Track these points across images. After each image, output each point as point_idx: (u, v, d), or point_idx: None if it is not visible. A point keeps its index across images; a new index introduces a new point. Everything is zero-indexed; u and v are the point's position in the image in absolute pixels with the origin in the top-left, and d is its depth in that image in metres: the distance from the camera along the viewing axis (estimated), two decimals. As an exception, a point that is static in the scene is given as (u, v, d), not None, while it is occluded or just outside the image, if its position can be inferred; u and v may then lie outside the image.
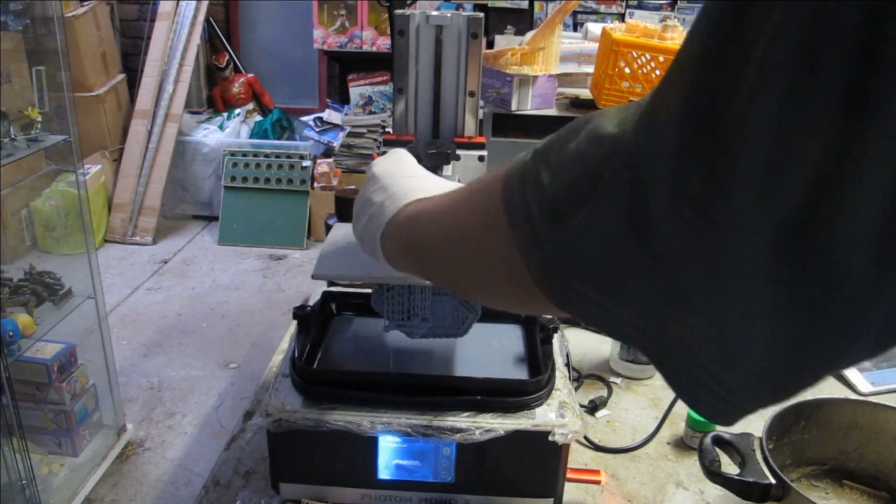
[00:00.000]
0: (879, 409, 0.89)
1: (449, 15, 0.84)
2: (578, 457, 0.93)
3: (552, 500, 0.78)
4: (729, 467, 0.86)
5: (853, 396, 1.10)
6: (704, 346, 0.31)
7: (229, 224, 3.56)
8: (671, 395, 1.07)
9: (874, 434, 0.88)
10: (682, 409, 1.02)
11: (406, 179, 0.61)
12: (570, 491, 0.84)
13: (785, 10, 0.25)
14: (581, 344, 1.20)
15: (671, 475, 0.91)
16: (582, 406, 1.03)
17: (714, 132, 0.28)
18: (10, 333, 1.59)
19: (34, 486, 1.57)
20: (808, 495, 0.88)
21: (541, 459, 0.76)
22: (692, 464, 0.90)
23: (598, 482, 0.83)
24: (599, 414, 1.02)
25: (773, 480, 0.75)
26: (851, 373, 1.16)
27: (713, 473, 0.77)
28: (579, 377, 1.10)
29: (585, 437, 0.95)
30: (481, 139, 0.88)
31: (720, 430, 0.91)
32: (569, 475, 0.80)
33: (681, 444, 0.97)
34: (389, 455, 0.76)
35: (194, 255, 3.43)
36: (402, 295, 0.76)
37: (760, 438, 0.80)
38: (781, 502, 0.75)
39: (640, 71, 1.29)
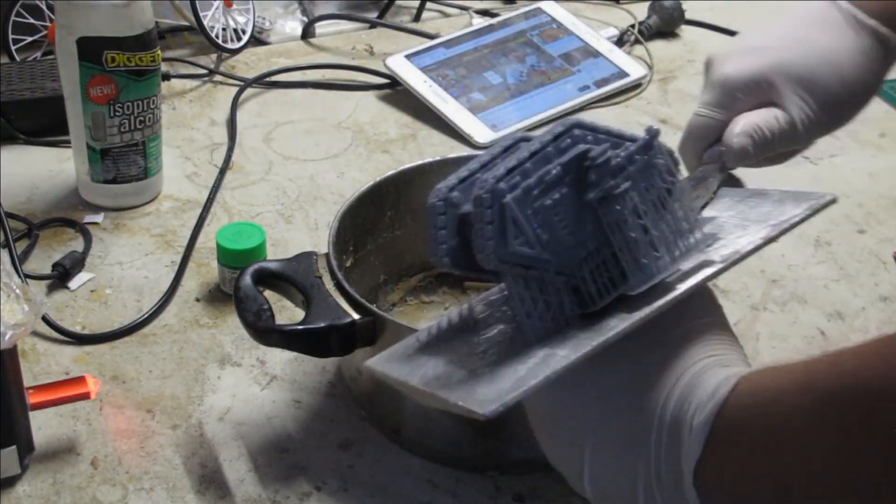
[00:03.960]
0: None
1: None
2: (49, 363, 0.91)
3: (14, 447, 0.77)
4: (292, 313, 0.91)
5: (465, 152, 1.22)
6: None
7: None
8: (217, 224, 1.07)
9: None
10: (209, 240, 1.04)
11: None
12: (45, 424, 0.83)
13: None
14: (27, 174, 1.16)
15: (210, 350, 0.93)
16: (40, 277, 1.00)
17: None
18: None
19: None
20: (417, 320, 0.97)
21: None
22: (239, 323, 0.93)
23: (87, 396, 0.82)
24: (76, 282, 1.01)
25: (355, 316, 0.79)
26: (463, 117, 1.27)
27: (262, 331, 0.79)
28: (29, 228, 1.06)
29: (54, 327, 0.93)
30: None
31: (269, 259, 0.94)
32: (32, 400, 0.79)
33: (217, 297, 0.99)
34: None
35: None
36: None
37: (327, 255, 0.84)
38: (378, 342, 0.80)
39: None
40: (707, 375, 0.59)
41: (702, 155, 0.82)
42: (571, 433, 0.62)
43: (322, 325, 0.79)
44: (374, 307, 0.80)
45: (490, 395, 0.58)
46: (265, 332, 0.79)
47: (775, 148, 0.81)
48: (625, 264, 0.63)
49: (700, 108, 0.83)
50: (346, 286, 0.81)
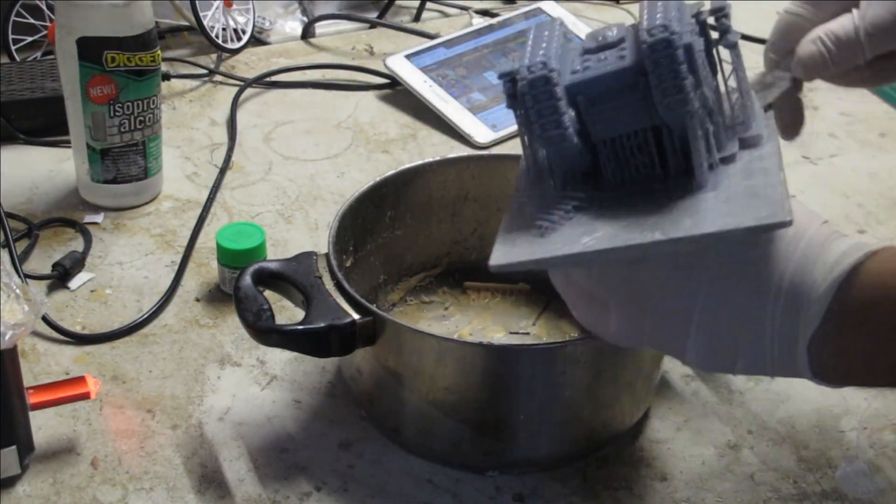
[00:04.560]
0: (496, 165, 0.98)
1: None
2: (49, 363, 0.91)
3: (14, 447, 0.77)
4: (292, 313, 0.91)
5: (465, 152, 1.22)
6: None
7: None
8: (217, 224, 1.07)
9: (494, 203, 0.98)
10: (209, 240, 1.04)
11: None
12: (45, 424, 0.83)
13: None
14: (27, 174, 1.16)
15: (210, 350, 0.93)
16: (40, 277, 1.00)
17: None
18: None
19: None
20: (417, 320, 0.96)
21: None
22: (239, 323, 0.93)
23: (87, 396, 0.82)
24: (76, 282, 1.01)
25: (355, 316, 0.79)
26: (463, 117, 1.27)
27: (262, 331, 0.78)
28: (29, 228, 1.06)
29: (54, 327, 0.93)
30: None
31: (269, 259, 0.94)
32: (32, 400, 0.79)
33: (217, 297, 0.99)
34: None
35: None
36: None
37: (327, 255, 0.84)
38: (377, 342, 0.80)
39: None
40: (828, 244, 0.59)
41: (784, 57, 0.78)
42: (680, 305, 0.63)
43: (322, 325, 0.78)
44: (374, 307, 0.80)
45: (758, 211, 0.60)
46: (265, 332, 0.79)
47: (853, 57, 0.73)
48: (747, 110, 0.68)
49: (788, 6, 0.77)
50: (346, 286, 0.81)
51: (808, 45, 0.73)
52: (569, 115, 0.65)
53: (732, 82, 0.69)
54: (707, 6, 0.67)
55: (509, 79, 0.68)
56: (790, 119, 0.79)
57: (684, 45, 0.63)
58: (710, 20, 0.67)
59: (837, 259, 0.59)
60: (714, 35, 0.68)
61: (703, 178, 0.65)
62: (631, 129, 0.66)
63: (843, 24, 0.72)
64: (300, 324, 0.79)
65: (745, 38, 1.49)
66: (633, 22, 0.69)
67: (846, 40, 0.71)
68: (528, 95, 0.66)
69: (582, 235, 0.63)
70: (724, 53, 0.68)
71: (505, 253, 0.65)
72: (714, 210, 0.62)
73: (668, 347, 0.66)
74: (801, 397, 0.89)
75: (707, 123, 0.65)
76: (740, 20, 1.54)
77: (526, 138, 0.71)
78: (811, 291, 0.58)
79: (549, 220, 0.66)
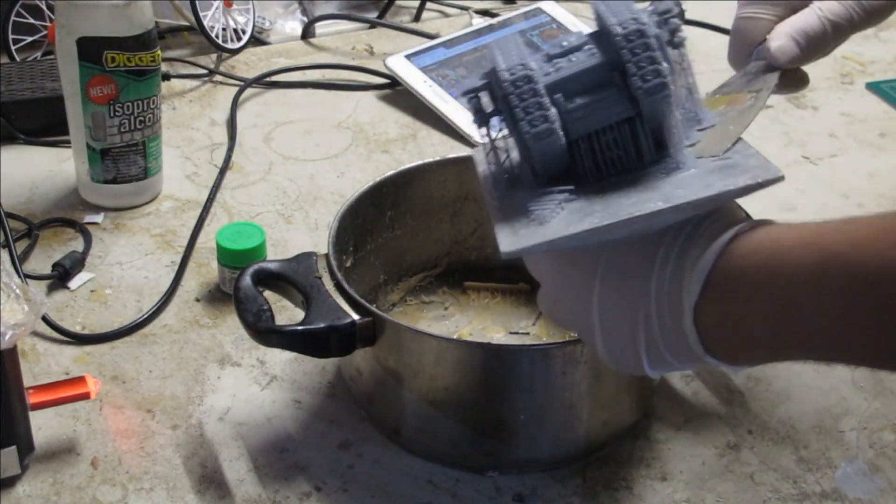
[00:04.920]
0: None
1: None
2: (49, 363, 0.91)
3: (14, 447, 0.77)
4: (292, 313, 0.91)
5: (462, 152, 1.22)
6: None
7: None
8: (217, 224, 1.07)
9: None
10: (209, 240, 1.04)
11: None
12: (45, 424, 0.83)
13: None
14: (27, 174, 1.15)
15: (210, 350, 0.93)
16: (40, 277, 1.00)
17: None
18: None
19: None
20: (417, 320, 0.96)
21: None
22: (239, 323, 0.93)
23: (87, 396, 0.82)
24: (76, 282, 1.01)
25: (355, 316, 0.79)
26: (463, 117, 1.27)
27: (262, 331, 0.78)
28: (29, 228, 1.06)
29: (54, 327, 0.93)
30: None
31: (269, 259, 0.94)
32: (32, 400, 0.79)
33: (217, 297, 0.99)
34: None
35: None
36: None
37: (327, 255, 0.84)
38: (377, 343, 0.80)
39: None
40: (714, 219, 0.60)
41: (749, 55, 0.82)
42: (580, 275, 0.64)
43: (322, 325, 0.79)
44: (373, 307, 0.80)
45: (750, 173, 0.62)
46: (265, 332, 0.79)
47: (822, 48, 0.79)
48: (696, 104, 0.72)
49: (740, 9, 0.82)
50: (346, 286, 0.81)
51: (783, 38, 0.78)
52: (553, 111, 0.66)
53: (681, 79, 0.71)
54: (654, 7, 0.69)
55: (474, 95, 0.70)
56: (794, 80, 0.83)
57: (655, 34, 0.65)
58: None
59: (721, 229, 0.60)
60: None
61: (681, 158, 0.66)
62: (609, 122, 0.67)
63: (808, 21, 0.78)
64: (300, 324, 0.79)
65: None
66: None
67: (813, 35, 0.77)
68: (512, 95, 0.66)
69: (583, 217, 0.64)
70: (673, 53, 0.70)
71: (513, 240, 0.66)
72: (703, 180, 0.63)
73: (584, 334, 0.67)
74: (801, 397, 0.89)
75: (677, 110, 0.67)
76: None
77: (493, 143, 0.73)
78: (695, 262, 0.59)
79: (543, 210, 0.67)
